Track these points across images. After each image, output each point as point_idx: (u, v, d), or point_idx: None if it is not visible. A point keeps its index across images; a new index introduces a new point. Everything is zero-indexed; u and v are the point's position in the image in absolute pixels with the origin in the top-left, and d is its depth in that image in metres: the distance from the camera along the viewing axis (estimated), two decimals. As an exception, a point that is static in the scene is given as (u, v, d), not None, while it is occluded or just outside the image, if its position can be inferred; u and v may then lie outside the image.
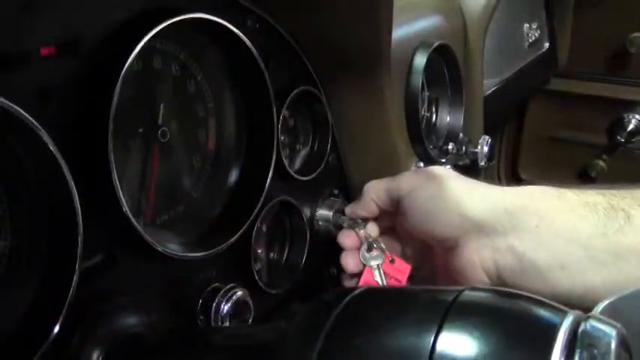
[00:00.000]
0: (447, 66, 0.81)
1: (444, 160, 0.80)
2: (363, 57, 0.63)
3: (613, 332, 0.29)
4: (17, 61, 0.41)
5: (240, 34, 0.51)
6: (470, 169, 0.87)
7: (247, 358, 0.38)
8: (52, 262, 0.43)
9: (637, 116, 1.57)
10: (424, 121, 0.81)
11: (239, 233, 0.54)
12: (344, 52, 0.63)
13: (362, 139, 0.68)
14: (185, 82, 0.54)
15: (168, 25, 0.46)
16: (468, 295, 0.32)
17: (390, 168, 0.69)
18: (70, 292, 0.42)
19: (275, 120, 0.56)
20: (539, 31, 1.37)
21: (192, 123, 0.55)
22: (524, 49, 1.30)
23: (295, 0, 0.58)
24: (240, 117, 0.58)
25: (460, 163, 0.87)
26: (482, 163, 0.85)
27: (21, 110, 0.38)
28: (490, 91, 1.12)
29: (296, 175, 0.61)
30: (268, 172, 0.56)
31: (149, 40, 0.45)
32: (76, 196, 0.41)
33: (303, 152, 0.66)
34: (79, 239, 0.42)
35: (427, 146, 0.75)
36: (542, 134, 1.69)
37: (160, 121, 0.51)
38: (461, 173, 0.86)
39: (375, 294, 0.36)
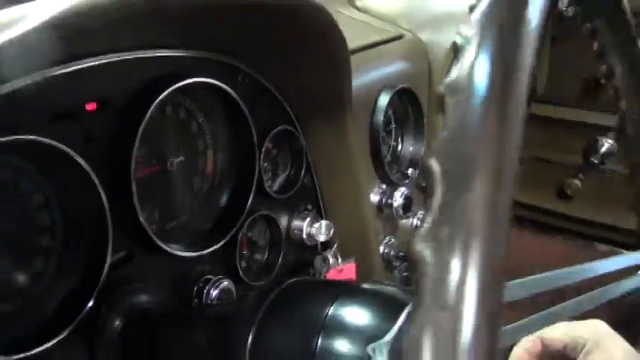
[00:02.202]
0: (410, 105, 0.98)
1: (406, 182, 0.98)
2: (329, 102, 0.80)
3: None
4: (70, 114, 0.59)
5: (230, 91, 0.69)
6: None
7: (213, 324, 0.56)
8: (89, 255, 0.61)
9: (609, 140, 1.73)
10: (390, 149, 0.99)
11: (226, 238, 0.72)
12: (314, 98, 0.80)
13: (331, 165, 0.85)
14: (189, 123, 0.72)
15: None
16: (357, 285, 0.49)
17: (353, 188, 0.87)
18: (102, 278, 0.60)
19: (257, 153, 0.74)
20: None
21: (194, 154, 0.73)
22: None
23: (274, 59, 0.76)
24: (232, 149, 0.75)
25: (423, 184, 1.03)
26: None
27: (72, 152, 0.56)
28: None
29: (275, 195, 0.79)
30: (250, 193, 0.74)
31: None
32: (108, 210, 0.59)
33: (283, 176, 0.83)
34: (109, 241, 0.60)
35: (388, 171, 0.92)
36: (526, 153, 1.85)
37: (169, 154, 0.70)
38: (422, 193, 1.03)
39: (303, 282, 0.54)
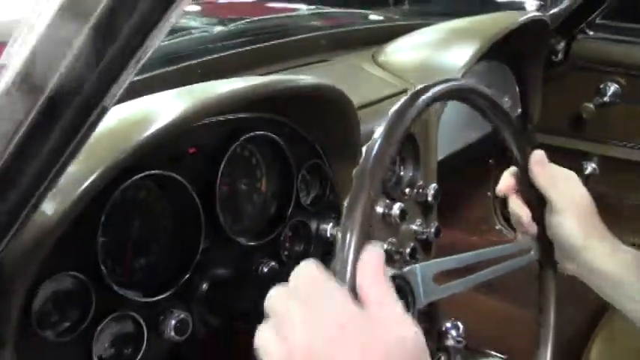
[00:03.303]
0: (410, 144, 1.34)
1: (405, 198, 1.34)
2: (346, 145, 1.17)
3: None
4: (180, 156, 0.97)
5: (278, 139, 1.07)
6: (425, 202, 1.40)
7: (265, 285, 0.93)
8: (188, 243, 0.99)
9: (592, 164, 2.06)
10: (395, 175, 1.35)
11: (274, 235, 1.09)
12: (335, 142, 1.17)
13: (348, 186, 1.22)
14: (251, 159, 1.10)
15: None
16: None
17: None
18: (196, 258, 0.98)
19: (295, 179, 1.11)
20: (511, 102, 1.88)
21: (254, 179, 1.11)
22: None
23: (309, 118, 1.13)
24: (278, 176, 1.13)
25: (419, 200, 1.40)
26: (430, 199, 1.38)
27: (181, 178, 0.94)
28: (463, 146, 1.66)
29: (308, 207, 1.16)
30: (290, 206, 1.11)
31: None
32: (202, 215, 0.97)
33: (314, 194, 1.20)
34: (202, 234, 0.97)
35: (389, 190, 1.28)
36: (524, 174, 2.19)
37: (238, 179, 1.07)
38: (418, 207, 1.39)
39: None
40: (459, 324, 1.30)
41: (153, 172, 0.91)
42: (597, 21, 1.95)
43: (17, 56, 0.50)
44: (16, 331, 0.76)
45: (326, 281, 0.61)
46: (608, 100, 1.94)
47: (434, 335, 1.32)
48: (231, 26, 1.49)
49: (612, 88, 1.93)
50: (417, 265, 0.81)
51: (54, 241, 0.76)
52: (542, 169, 0.98)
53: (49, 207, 0.73)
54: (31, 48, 0.49)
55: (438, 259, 0.86)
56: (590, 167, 2.06)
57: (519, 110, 1.95)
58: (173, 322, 0.94)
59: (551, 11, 1.91)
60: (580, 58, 1.97)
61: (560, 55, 1.96)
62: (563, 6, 1.91)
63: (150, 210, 0.97)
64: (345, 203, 0.65)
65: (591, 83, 1.96)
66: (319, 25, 1.67)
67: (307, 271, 0.63)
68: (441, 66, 1.50)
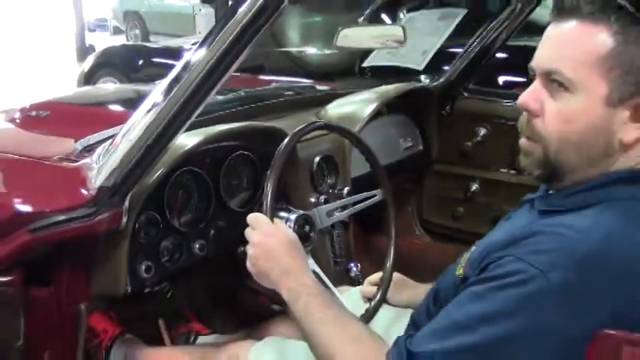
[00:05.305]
0: (332, 163, 2.30)
1: (330, 194, 2.28)
2: (288, 160, 2.14)
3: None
4: (201, 162, 1.93)
5: (252, 156, 2.03)
6: (342, 198, 2.34)
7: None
8: (204, 208, 1.94)
9: (475, 184, 2.99)
10: (324, 181, 2.30)
11: (250, 206, 2.05)
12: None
13: (290, 183, 2.18)
14: (238, 166, 2.07)
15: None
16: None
17: (303, 198, 2.18)
18: (209, 216, 1.93)
19: (262, 176, 2.07)
20: (412, 142, 2.84)
21: (240, 177, 2.07)
22: (400, 151, 2.77)
23: (265, 144, 2.10)
24: (253, 176, 2.09)
25: (338, 196, 2.33)
26: (344, 196, 2.32)
27: (202, 172, 1.90)
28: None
29: (269, 194, 2.12)
30: (259, 193, 2.07)
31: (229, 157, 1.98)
32: (213, 193, 1.93)
33: (273, 188, 2.16)
34: (212, 203, 1.93)
35: (319, 189, 2.23)
36: (433, 193, 3.14)
37: (232, 176, 2.04)
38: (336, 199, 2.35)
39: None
40: (358, 265, 2.24)
41: (190, 168, 1.88)
42: (470, 86, 2.94)
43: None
44: (130, 233, 1.70)
45: (261, 216, 1.56)
46: (480, 139, 2.90)
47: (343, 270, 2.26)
48: (229, 95, 2.49)
49: (482, 131, 2.88)
50: (315, 209, 1.77)
51: (147, 195, 1.71)
52: None
53: (147, 178, 1.68)
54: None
55: (325, 205, 1.82)
56: (474, 187, 2.99)
57: (421, 147, 2.92)
58: (197, 245, 1.91)
59: (437, 82, 2.90)
60: (461, 111, 2.93)
61: (448, 110, 2.94)
62: (444, 78, 2.90)
63: (188, 188, 1.93)
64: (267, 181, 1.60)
65: (469, 128, 2.91)
66: (283, 94, 2.67)
67: (255, 215, 1.56)
68: (354, 117, 2.46)
